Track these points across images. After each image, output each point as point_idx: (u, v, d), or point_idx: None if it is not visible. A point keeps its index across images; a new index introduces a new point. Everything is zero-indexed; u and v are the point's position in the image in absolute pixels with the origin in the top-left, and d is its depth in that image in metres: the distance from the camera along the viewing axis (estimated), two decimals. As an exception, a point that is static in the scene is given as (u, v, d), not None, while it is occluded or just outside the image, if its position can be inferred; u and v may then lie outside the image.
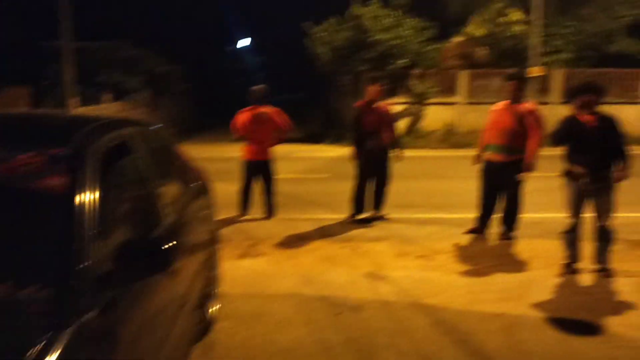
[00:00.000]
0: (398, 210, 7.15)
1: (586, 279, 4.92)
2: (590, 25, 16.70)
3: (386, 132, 6.72)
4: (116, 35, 19.10)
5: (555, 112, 16.22)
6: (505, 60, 16.49)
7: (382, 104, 6.77)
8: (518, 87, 5.86)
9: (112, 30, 19.85)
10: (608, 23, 16.55)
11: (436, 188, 9.11)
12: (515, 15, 16.32)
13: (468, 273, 5.14)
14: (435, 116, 16.07)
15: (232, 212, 7.25)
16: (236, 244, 6.01)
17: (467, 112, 16.10)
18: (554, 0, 16.42)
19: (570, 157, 4.93)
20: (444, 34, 16.74)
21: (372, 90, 6.66)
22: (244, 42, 49.85)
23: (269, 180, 7.12)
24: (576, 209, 4.93)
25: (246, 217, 7.17)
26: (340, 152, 14.02)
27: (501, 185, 5.99)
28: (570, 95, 5.00)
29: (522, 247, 5.82)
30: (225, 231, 6.40)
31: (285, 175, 10.23)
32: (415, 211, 7.43)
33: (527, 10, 16.77)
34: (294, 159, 12.90)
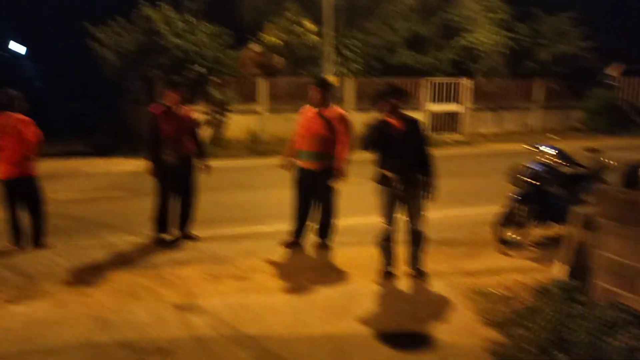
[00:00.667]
0: (206, 227, 6.50)
1: (404, 284, 4.87)
2: (375, 37, 17.89)
3: (188, 141, 6.04)
4: None
5: (351, 120, 17.22)
6: (301, 68, 16.82)
7: (183, 109, 6.06)
8: (322, 93, 5.67)
9: None
10: (390, 36, 17.91)
11: (245, 199, 8.64)
12: (308, 25, 16.74)
13: (289, 291, 4.74)
14: (237, 125, 15.68)
15: (-1, 245, 5.89)
16: (5, 284, 4.79)
17: (269, 119, 16.02)
18: (342, 12, 17.26)
19: (381, 162, 4.84)
20: (240, 41, 16.45)
21: (171, 94, 5.91)
22: (18, 48, 44.11)
23: (34, 202, 5.90)
24: (389, 214, 4.85)
25: (17, 248, 5.86)
26: (136, 166, 12.80)
27: (314, 193, 5.75)
28: (377, 98, 4.91)
29: (340, 256, 5.62)
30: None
31: (70, 195, 8.87)
32: (225, 226, 6.85)
33: (317, 21, 17.38)
34: (81, 176, 11.38)
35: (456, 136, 17.09)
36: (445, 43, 18.32)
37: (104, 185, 10.15)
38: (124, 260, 5.52)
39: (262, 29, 17.07)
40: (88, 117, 23.29)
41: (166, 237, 6.13)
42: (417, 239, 4.91)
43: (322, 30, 16.17)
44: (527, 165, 5.86)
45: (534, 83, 18.53)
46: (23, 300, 4.50)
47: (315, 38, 16.69)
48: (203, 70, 14.79)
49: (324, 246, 5.84)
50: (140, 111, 15.53)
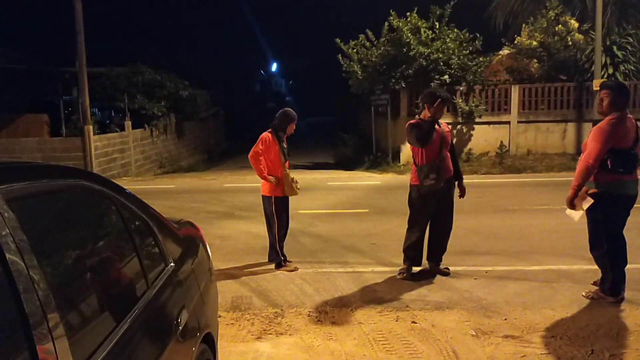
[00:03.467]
0: (459, 259, 5.54)
1: None
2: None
3: (449, 160, 5.19)
4: (138, 59, 18.13)
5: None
6: (561, 72, 14.75)
7: (442, 125, 5.23)
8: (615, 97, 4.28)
9: (134, 55, 18.95)
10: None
11: (503, 226, 7.43)
12: (573, 22, 14.59)
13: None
14: (485, 137, 14.39)
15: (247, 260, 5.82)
16: (257, 315, 4.52)
17: (521, 131, 14.38)
18: (612, 6, 14.71)
19: None
20: (491, 46, 15.12)
21: (432, 108, 5.06)
22: (273, 66, 49.25)
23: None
24: None
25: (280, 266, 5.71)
26: (380, 180, 12.50)
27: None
28: None
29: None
30: (235, 293, 4.94)
31: (313, 209, 8.73)
32: (483, 261, 5.80)
33: (582, 18, 15.09)
34: (326, 189, 11.40)
35: None
36: None
37: (349, 200, 9.90)
38: (372, 295, 4.89)
39: (517, 31, 15.48)
40: (334, 129, 24.32)
41: (415, 269, 5.37)
42: None
43: (590, 27, 13.92)
44: None
45: None
46: (269, 337, 4.13)
47: (579, 37, 14.46)
48: (445, 78, 13.86)
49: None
50: (385, 124, 15.35)
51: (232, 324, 4.36)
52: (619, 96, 4.24)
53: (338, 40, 15.03)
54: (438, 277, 5.27)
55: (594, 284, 4.67)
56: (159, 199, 9.92)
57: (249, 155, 5.65)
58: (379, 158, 14.84)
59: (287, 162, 5.76)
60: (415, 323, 4.22)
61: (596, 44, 13.46)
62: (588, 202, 4.20)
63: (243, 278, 5.47)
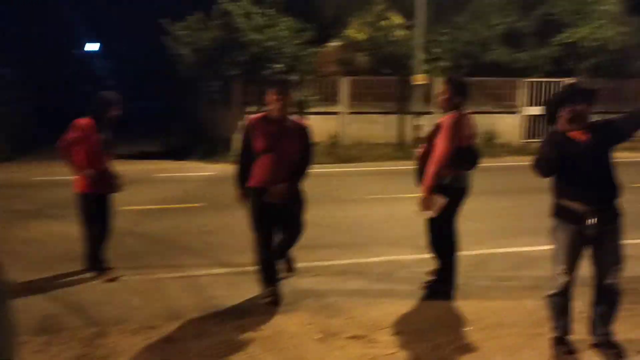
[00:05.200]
0: (302, 254, 5.34)
1: (587, 358, 3.51)
2: (465, 33, 16.32)
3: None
4: None
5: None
6: (386, 66, 15.50)
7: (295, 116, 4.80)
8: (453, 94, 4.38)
9: None
10: (483, 31, 16.28)
11: (342, 217, 7.43)
12: (397, 19, 15.39)
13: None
14: (317, 128, 14.52)
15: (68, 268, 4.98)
16: (72, 337, 3.80)
17: (351, 122, 14.83)
18: (429, 7, 15.80)
19: (562, 190, 3.50)
20: (322, 38, 15.31)
21: (274, 97, 4.56)
22: (92, 46, 45.16)
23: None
24: (571, 261, 3.50)
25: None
26: (214, 170, 11.97)
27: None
28: (555, 105, 3.54)
29: (484, 308, 4.30)
30: (44, 312, 4.14)
31: (142, 204, 7.96)
32: (326, 255, 5.66)
33: (406, 15, 15.98)
34: (154, 181, 10.57)
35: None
36: (545, 39, 16.48)
37: (180, 194, 9.23)
38: (210, 303, 4.43)
39: (346, 25, 15.89)
40: (160, 116, 22.96)
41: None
42: (609, 298, 3.53)
43: (413, 24, 14.79)
44: None
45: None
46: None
47: (403, 33, 15.31)
48: (281, 67, 13.75)
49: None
50: (216, 111, 14.76)
51: (41, 350, 3.64)
52: (459, 92, 4.32)
53: (165, 20, 14.03)
54: (284, 275, 4.98)
55: (429, 273, 4.75)
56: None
57: (58, 145, 4.79)
58: (210, 148, 14.22)
59: (110, 154, 5.01)
60: (257, 331, 3.89)
61: (416, 41, 14.36)
62: (441, 201, 4.22)
63: (54, 292, 4.64)
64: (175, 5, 16.31)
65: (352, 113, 14.93)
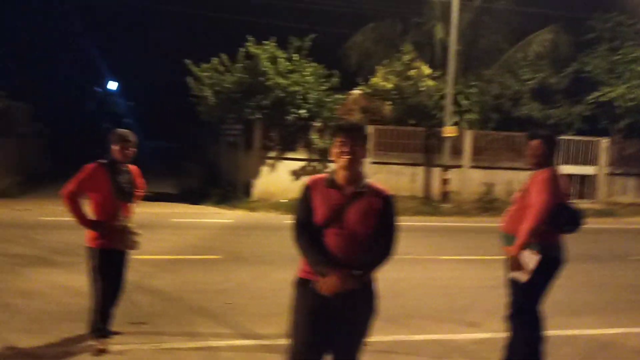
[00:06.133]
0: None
1: None
2: (495, 86, 15.91)
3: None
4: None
5: (469, 177, 15.22)
6: (411, 116, 15.04)
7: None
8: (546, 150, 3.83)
9: None
10: (513, 85, 15.86)
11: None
12: (426, 69, 15.02)
13: None
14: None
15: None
16: None
17: (376, 172, 14.25)
18: (459, 57, 15.49)
19: None
20: (348, 84, 14.96)
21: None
22: (113, 85, 45.57)
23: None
24: None
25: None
26: (231, 217, 11.34)
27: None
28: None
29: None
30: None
31: (155, 253, 7.24)
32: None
33: (432, 65, 15.64)
34: (169, 227, 9.94)
35: (592, 204, 14.50)
36: (577, 97, 16.02)
37: (196, 242, 8.58)
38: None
39: (370, 72, 15.57)
40: (178, 157, 22.57)
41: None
42: None
43: (441, 74, 14.41)
44: None
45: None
46: None
47: (431, 83, 14.91)
48: (304, 112, 13.33)
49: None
50: (236, 155, 14.28)
51: None
52: (553, 148, 3.86)
53: (188, 61, 13.75)
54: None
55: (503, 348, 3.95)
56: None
57: (61, 194, 4.15)
58: (228, 192, 13.68)
59: (129, 203, 4.34)
60: None
61: (447, 92, 13.92)
62: (535, 259, 3.57)
63: (47, 363, 3.94)
64: (200, 47, 16.12)
65: (376, 163, 14.37)
